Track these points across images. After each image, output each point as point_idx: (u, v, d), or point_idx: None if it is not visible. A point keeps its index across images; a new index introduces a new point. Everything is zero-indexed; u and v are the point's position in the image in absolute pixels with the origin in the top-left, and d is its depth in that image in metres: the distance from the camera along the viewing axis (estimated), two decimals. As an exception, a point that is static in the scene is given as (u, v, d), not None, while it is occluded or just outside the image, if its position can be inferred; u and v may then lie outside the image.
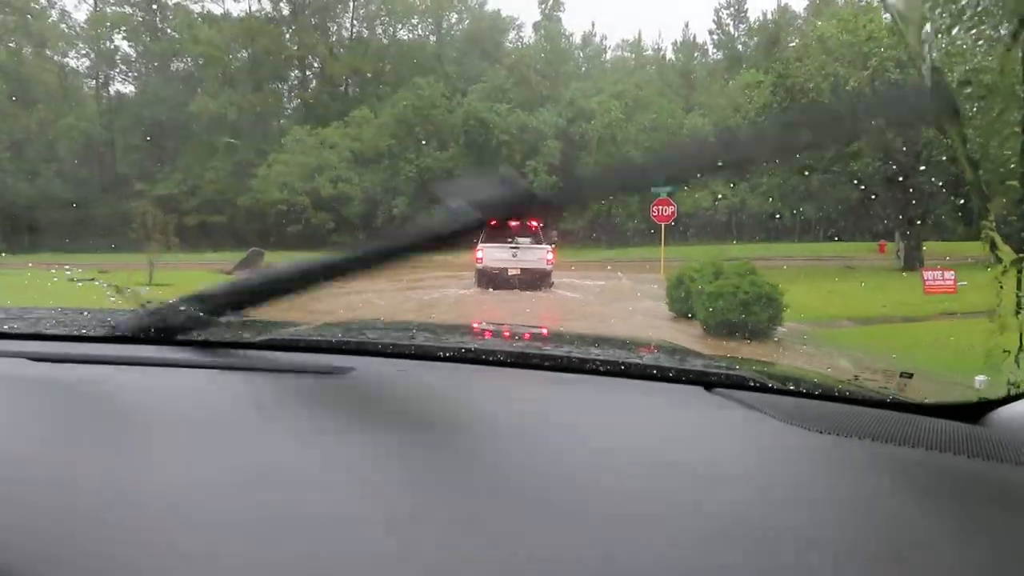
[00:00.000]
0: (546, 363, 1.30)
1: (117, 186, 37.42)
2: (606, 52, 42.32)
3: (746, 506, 0.73)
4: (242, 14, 41.67)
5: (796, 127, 1.26)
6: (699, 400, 1.16)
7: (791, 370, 1.73)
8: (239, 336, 1.35)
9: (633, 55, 40.20)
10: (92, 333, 1.34)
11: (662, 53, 41.25)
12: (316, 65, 42.63)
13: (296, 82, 42.04)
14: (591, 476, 0.79)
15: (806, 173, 22.17)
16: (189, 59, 42.09)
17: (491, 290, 14.63)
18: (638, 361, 1.32)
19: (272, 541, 0.59)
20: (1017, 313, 1.16)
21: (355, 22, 44.61)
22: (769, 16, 37.96)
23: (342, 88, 41.65)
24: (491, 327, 2.31)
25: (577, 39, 41.16)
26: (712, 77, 34.29)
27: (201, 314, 1.29)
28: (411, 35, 43.67)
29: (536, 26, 38.59)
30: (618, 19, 72.27)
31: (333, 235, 34.94)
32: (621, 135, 29.37)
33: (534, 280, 15.08)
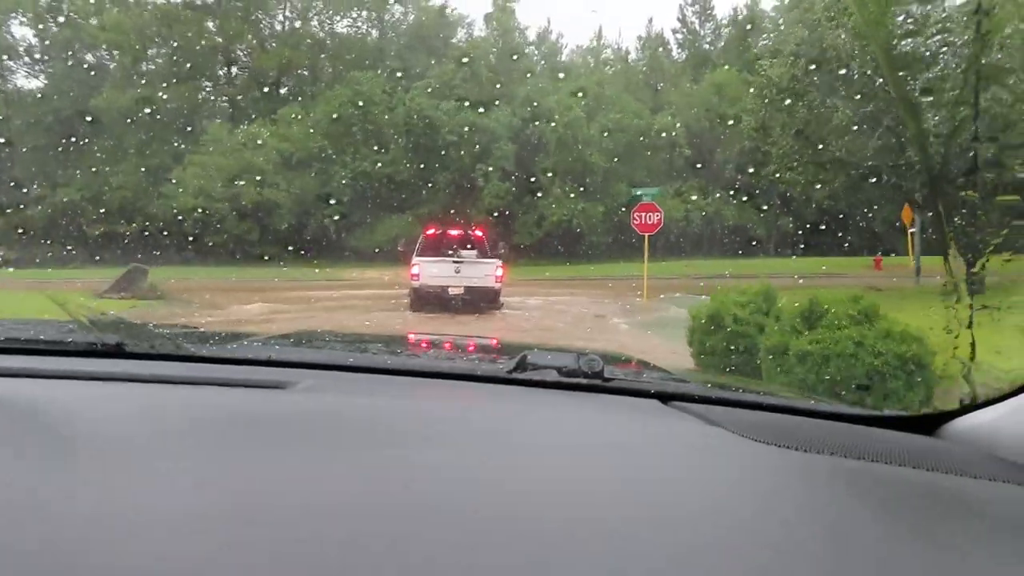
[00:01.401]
0: (496, 376, 1.33)
1: (13, 192, 32.81)
2: (563, 51, 39.65)
3: (701, 520, 0.73)
4: (163, 1, 37.36)
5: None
6: (655, 413, 1.17)
7: (747, 382, 2.06)
8: (187, 349, 1.38)
9: (592, 54, 37.64)
10: (34, 346, 1.31)
11: (625, 50, 38.92)
12: (244, 58, 38.58)
13: (221, 77, 37.84)
14: (545, 493, 0.78)
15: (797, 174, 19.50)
16: (99, 49, 37.50)
17: (428, 314, 12.53)
18: (592, 373, 1.28)
19: (220, 561, 0.58)
20: (968, 327, 1.21)
21: (288, 13, 40.77)
22: (741, 14, 35.82)
23: (272, 84, 37.64)
24: (441, 339, 2.41)
25: (532, 35, 38.28)
26: (681, 75, 31.77)
27: (149, 325, 1.52)
28: (351, 29, 40.07)
29: (488, 18, 35.51)
30: (575, 17, 69.21)
31: (258, 247, 31.02)
32: (583, 136, 26.32)
33: (480, 301, 12.96)
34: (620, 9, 64.45)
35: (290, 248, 31.19)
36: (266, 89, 36.55)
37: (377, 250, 25.16)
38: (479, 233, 14.76)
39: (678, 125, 27.35)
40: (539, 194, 27.03)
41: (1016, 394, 1.06)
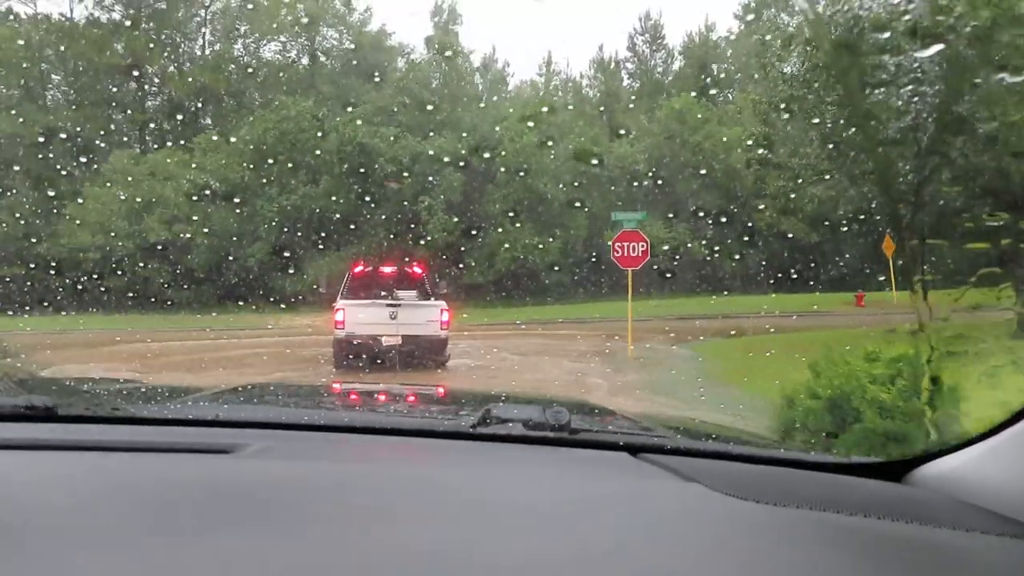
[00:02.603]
0: (461, 432, 1.29)
1: None
2: (509, 79, 37.80)
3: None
4: (60, 17, 33.61)
5: None
6: (626, 468, 1.15)
7: (716, 430, 1.89)
8: (126, 410, 1.31)
9: (542, 81, 35.92)
10: None
11: (579, 75, 37.42)
12: (157, 82, 35.07)
13: (130, 102, 34.13)
14: (515, 564, 0.75)
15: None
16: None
17: (353, 372, 10.18)
18: (559, 425, 1.26)
19: None
20: (934, 372, 1.24)
21: (211, 37, 37.64)
22: (695, 39, 34.82)
23: (190, 110, 34.20)
24: (403, 391, 2.30)
25: (477, 62, 36.27)
26: (638, 101, 30.23)
27: (84, 387, 1.41)
28: (279, 55, 37.19)
29: (429, 41, 33.26)
30: (520, 45, 68.05)
31: (169, 290, 27.25)
32: (536, 164, 24.06)
33: (422, 354, 10.66)
34: (568, 34, 63.74)
35: (203, 292, 27.72)
36: (181, 116, 33.15)
37: (299, 297, 21.94)
38: (418, 270, 12.34)
39: (639, 153, 25.48)
40: (490, 228, 24.49)
41: (982, 439, 1.06)
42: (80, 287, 25.49)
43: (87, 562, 0.68)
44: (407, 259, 15.15)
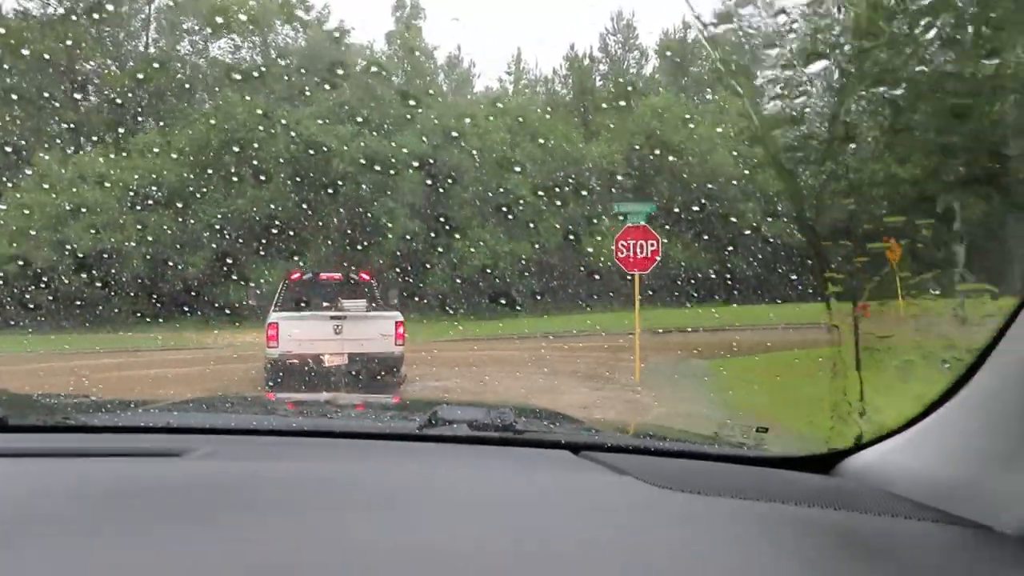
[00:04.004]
0: (407, 434, 1.34)
1: None
2: (476, 79, 36.08)
3: (609, 570, 0.74)
4: (-15, 10, 30.93)
5: None
6: (566, 465, 1.21)
7: (654, 429, 2.09)
8: (78, 419, 1.34)
9: (512, 78, 34.29)
10: None
11: (553, 71, 35.90)
12: (94, 80, 32.56)
13: (62, 100, 31.52)
14: (456, 553, 0.77)
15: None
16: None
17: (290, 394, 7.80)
18: (503, 426, 1.31)
19: None
20: (857, 368, 1.32)
21: (155, 34, 35.32)
22: (672, 38, 33.57)
23: (131, 110, 31.68)
24: (342, 400, 2.49)
25: (441, 59, 34.48)
26: (614, 100, 28.71)
27: (34, 396, 1.43)
28: (230, 54, 35.02)
29: (390, 36, 31.35)
30: (487, 45, 66.39)
31: (100, 307, 24.67)
32: (506, 163, 22.24)
33: (372, 374, 9.16)
34: (538, 33, 62.27)
35: (138, 306, 25.21)
36: (119, 116, 30.61)
37: (244, 312, 19.71)
38: (365, 276, 10.98)
39: (616, 153, 23.83)
40: (456, 233, 22.53)
41: (900, 431, 1.12)
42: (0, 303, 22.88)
43: (38, 562, 0.68)
44: (354, 268, 13.29)
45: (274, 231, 22.54)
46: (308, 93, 28.29)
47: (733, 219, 23.21)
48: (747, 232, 23.27)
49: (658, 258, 9.83)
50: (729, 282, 24.29)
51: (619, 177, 23.78)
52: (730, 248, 23.79)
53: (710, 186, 24.02)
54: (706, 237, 23.74)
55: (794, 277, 20.97)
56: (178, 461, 1.09)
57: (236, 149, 25.07)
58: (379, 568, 0.71)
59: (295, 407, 1.85)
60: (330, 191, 23.52)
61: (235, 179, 25.08)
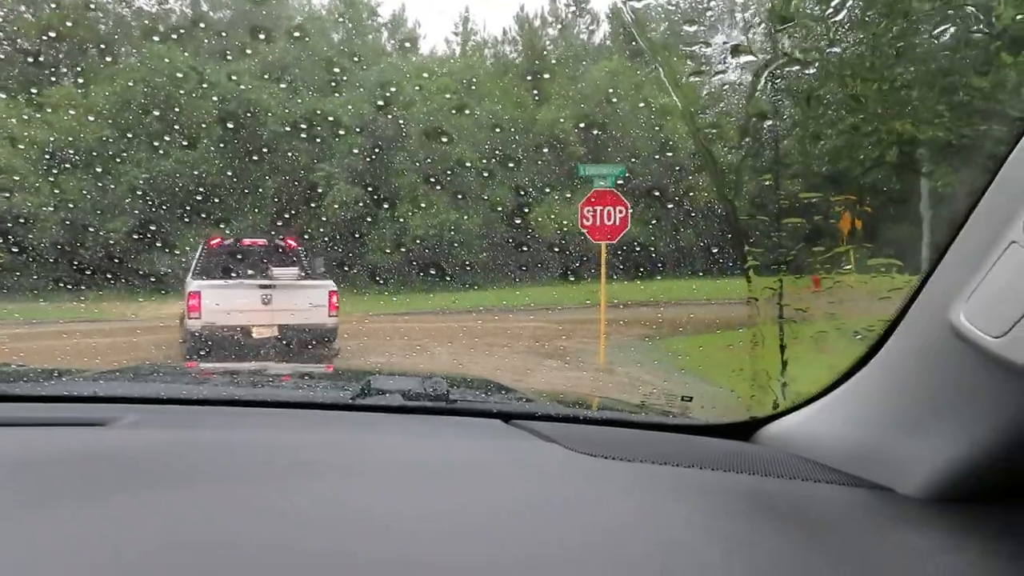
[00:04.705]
0: (340, 403, 1.35)
1: None
2: (422, 40, 34.69)
3: (531, 533, 0.76)
4: None
5: None
6: (497, 433, 1.24)
7: (583, 398, 2.12)
8: (3, 389, 1.32)
9: (458, 39, 33.05)
10: None
11: (501, 32, 34.76)
12: (4, 25, 30.09)
13: (-32, 49, 29.11)
14: (385, 521, 0.78)
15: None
16: None
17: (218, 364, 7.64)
18: (437, 395, 1.36)
19: None
20: (781, 340, 1.40)
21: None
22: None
23: (46, 62, 29.44)
24: (273, 369, 2.42)
25: (385, 17, 32.98)
26: (565, 66, 27.87)
27: None
28: (156, 4, 32.85)
29: (331, -11, 29.69)
30: (432, 9, 64.35)
31: (17, 274, 23.15)
32: (453, 128, 21.37)
33: (306, 346, 8.87)
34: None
35: (60, 275, 23.78)
36: (31, 68, 28.42)
37: (169, 282, 18.58)
38: (291, 242, 10.52)
39: (568, 119, 23.16)
40: (398, 201, 21.67)
41: (814, 400, 1.17)
42: None
43: None
44: (279, 236, 12.61)
45: (201, 196, 21.35)
46: (241, 49, 26.76)
47: (686, 190, 22.91)
48: (701, 205, 23.03)
49: (627, 227, 9.17)
50: (687, 254, 24.11)
51: (571, 143, 23.14)
52: (686, 218, 23.53)
53: (664, 153, 23.58)
54: (662, 208, 23.42)
55: (715, 250, 20.90)
56: (103, 431, 1.08)
57: (162, 108, 23.59)
58: (310, 536, 0.70)
59: (224, 377, 1.83)
60: (263, 154, 22.36)
61: (160, 140, 23.63)
